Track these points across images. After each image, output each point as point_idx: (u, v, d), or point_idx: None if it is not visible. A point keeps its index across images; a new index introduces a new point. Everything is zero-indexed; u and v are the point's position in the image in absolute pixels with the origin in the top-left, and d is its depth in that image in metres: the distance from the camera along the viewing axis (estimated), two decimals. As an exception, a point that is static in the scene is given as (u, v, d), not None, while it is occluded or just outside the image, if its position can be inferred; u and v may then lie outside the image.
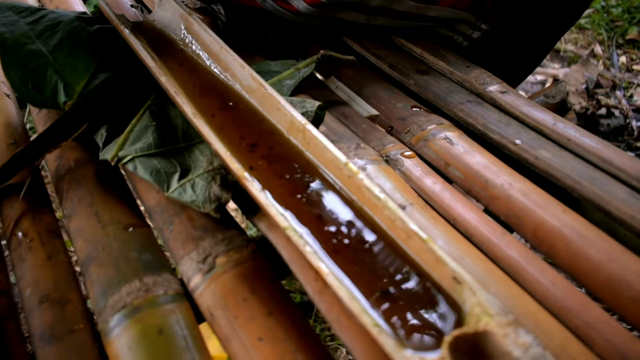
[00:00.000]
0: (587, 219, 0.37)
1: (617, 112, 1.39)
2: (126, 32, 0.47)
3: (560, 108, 0.52)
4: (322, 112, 0.42)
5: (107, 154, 0.44)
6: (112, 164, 0.43)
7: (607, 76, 1.55)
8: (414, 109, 0.49)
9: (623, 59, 1.66)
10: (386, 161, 0.43)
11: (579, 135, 0.43)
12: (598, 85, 1.51)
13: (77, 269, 0.42)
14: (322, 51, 0.50)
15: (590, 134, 0.44)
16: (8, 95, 0.61)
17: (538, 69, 1.61)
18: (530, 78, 1.56)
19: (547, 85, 1.52)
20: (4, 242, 0.46)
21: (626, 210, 0.37)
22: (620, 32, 1.76)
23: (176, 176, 0.40)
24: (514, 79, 0.65)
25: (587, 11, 1.90)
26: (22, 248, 0.43)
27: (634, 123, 1.35)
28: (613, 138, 1.32)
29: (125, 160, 0.42)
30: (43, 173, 0.52)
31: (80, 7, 0.70)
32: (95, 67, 0.49)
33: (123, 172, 0.47)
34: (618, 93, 1.47)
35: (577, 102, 1.44)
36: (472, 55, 0.59)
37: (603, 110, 1.40)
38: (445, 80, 0.53)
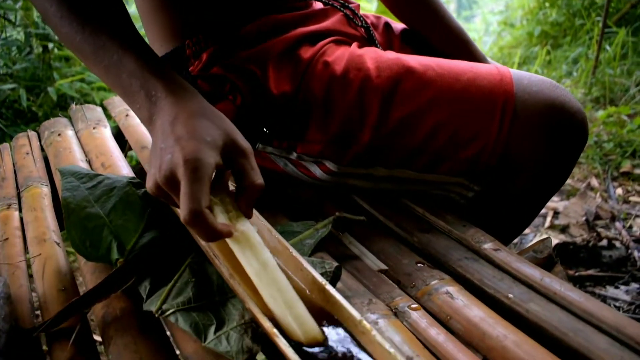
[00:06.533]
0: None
1: (618, 244, 1.44)
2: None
3: (548, 262, 0.59)
4: (338, 272, 0.49)
5: (151, 306, 0.50)
6: (157, 316, 0.49)
7: (606, 208, 1.63)
8: (418, 265, 0.56)
9: (619, 190, 1.75)
10: (395, 314, 0.49)
11: (563, 289, 0.50)
12: (597, 217, 1.58)
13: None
14: (337, 213, 0.58)
15: (574, 288, 0.50)
16: (58, 244, 0.69)
17: (539, 202, 1.70)
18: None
19: (548, 218, 1.60)
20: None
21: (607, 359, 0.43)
22: (614, 165, 1.87)
23: (212, 328, 0.47)
24: (507, 236, 0.72)
25: (581, 146, 2.02)
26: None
27: (635, 253, 1.39)
28: (616, 269, 1.36)
29: (167, 313, 0.49)
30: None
31: (126, 169, 0.80)
32: (143, 227, 0.57)
33: (162, 320, 0.53)
34: (617, 224, 1.53)
35: (579, 235, 1.51)
36: (469, 212, 0.67)
37: (604, 242, 1.46)
38: (445, 238, 0.61)
